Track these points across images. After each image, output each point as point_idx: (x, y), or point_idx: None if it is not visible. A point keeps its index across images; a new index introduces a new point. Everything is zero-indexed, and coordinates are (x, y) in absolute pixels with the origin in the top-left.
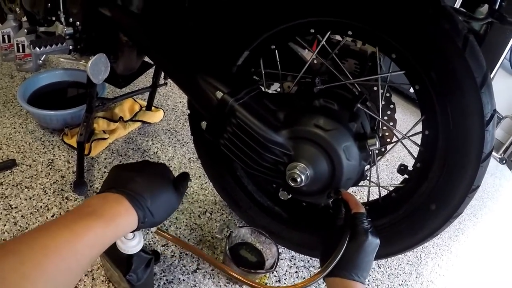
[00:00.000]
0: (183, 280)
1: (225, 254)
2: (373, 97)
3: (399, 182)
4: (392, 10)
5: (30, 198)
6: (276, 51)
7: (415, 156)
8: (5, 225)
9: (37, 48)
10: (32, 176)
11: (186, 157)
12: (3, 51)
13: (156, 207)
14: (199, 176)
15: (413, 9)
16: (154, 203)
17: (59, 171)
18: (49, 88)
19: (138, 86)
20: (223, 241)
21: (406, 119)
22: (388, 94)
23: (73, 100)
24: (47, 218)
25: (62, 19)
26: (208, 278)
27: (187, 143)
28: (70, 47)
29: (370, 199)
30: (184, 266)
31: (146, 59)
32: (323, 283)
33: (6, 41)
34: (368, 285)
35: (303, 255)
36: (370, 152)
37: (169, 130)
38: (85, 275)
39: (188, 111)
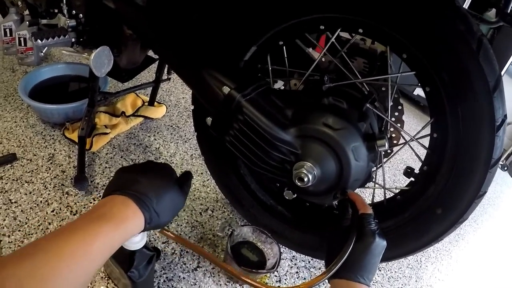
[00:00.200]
0: (183, 278)
1: (227, 252)
2: (381, 98)
3: (404, 185)
4: (405, 8)
5: (30, 193)
6: (284, 47)
7: (422, 159)
8: (4, 219)
9: (39, 40)
10: (32, 171)
11: (188, 154)
12: (5, 45)
13: (161, 208)
14: (201, 173)
15: (428, 8)
16: (160, 204)
17: (59, 166)
18: (50, 82)
19: (141, 81)
20: (224, 239)
21: (410, 121)
22: (396, 95)
23: (75, 94)
24: (47, 213)
25: (65, 11)
26: (209, 277)
27: (190, 139)
28: (73, 40)
29: (374, 201)
30: (185, 264)
31: (149, 53)
32: (324, 284)
33: (8, 34)
34: None
35: (304, 256)
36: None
37: (171, 126)
38: None
39: (192, 107)
